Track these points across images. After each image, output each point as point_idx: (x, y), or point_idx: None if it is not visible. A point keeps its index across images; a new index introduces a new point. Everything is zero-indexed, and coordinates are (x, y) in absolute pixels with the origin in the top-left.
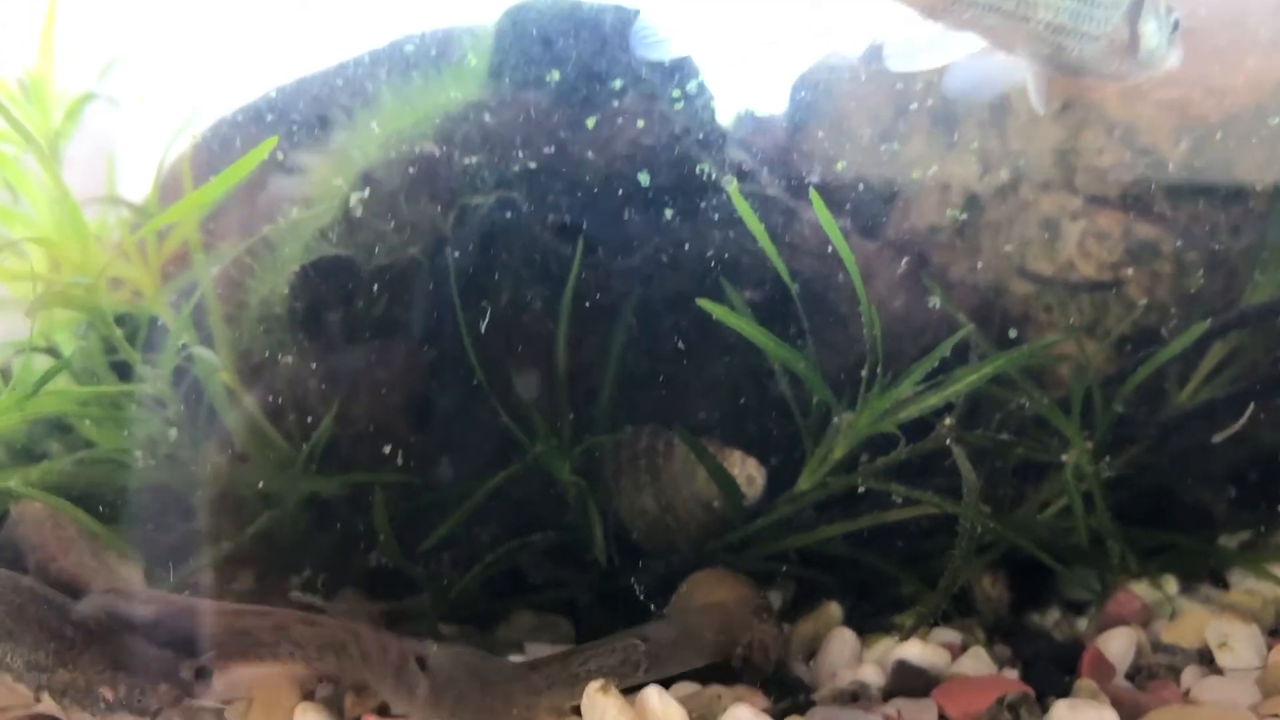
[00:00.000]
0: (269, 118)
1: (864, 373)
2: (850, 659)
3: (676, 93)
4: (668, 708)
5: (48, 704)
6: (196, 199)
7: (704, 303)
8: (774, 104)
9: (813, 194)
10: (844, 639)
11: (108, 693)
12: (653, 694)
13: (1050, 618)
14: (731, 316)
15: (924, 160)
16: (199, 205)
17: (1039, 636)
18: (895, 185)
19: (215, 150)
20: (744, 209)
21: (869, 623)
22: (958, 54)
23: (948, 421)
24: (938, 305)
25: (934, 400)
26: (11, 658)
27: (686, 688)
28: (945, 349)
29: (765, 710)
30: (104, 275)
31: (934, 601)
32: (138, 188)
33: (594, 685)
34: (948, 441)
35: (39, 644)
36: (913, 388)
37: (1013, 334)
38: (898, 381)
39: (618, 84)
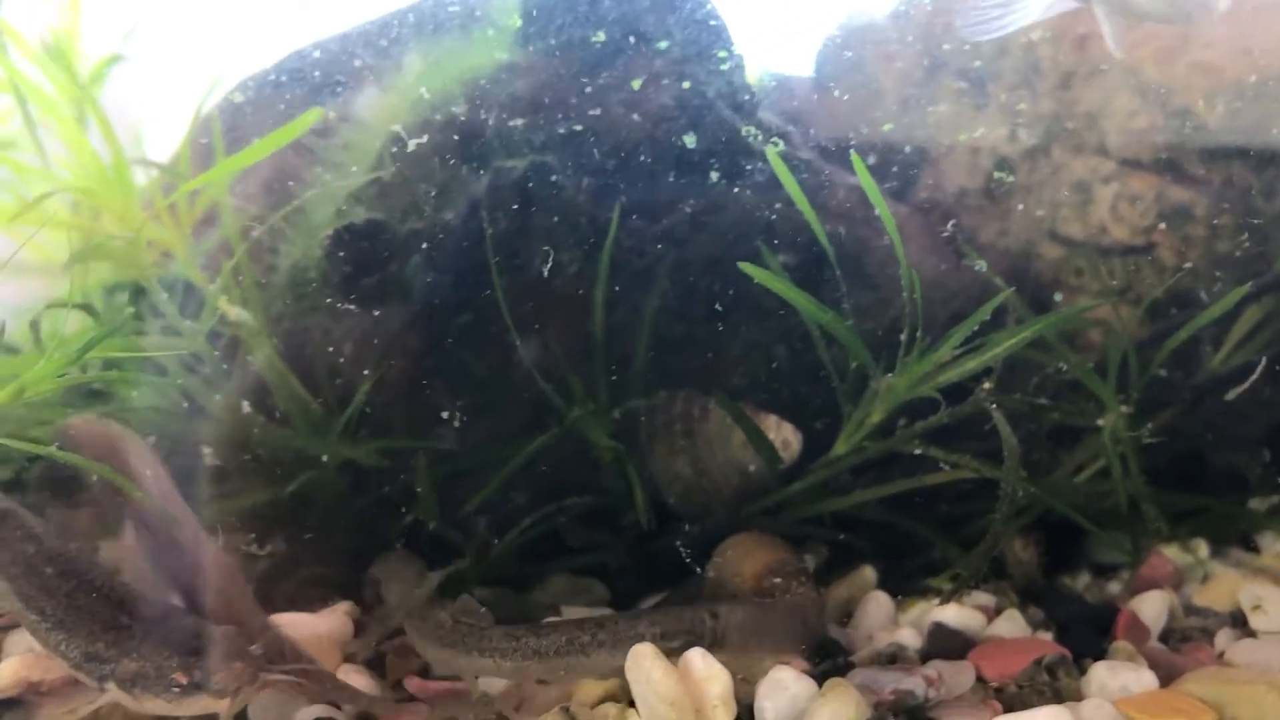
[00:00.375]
0: (297, 77)
1: (903, 336)
2: (886, 622)
3: (706, 55)
4: (711, 669)
5: (115, 694)
6: (238, 160)
7: (746, 266)
8: (799, 66)
9: (854, 157)
10: (880, 602)
11: (181, 677)
12: (696, 656)
13: (1081, 581)
14: (772, 280)
15: (953, 123)
16: (236, 167)
17: (1072, 600)
18: (923, 148)
19: (244, 111)
20: (783, 173)
21: (903, 586)
22: (1035, 14)
23: (986, 385)
24: (976, 268)
25: (973, 364)
26: (68, 648)
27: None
28: (986, 312)
29: (805, 672)
30: (144, 230)
31: (974, 564)
32: (159, 150)
33: (641, 646)
34: (986, 405)
35: (95, 635)
36: (951, 352)
37: (1058, 297)
38: (936, 345)
39: (648, 46)
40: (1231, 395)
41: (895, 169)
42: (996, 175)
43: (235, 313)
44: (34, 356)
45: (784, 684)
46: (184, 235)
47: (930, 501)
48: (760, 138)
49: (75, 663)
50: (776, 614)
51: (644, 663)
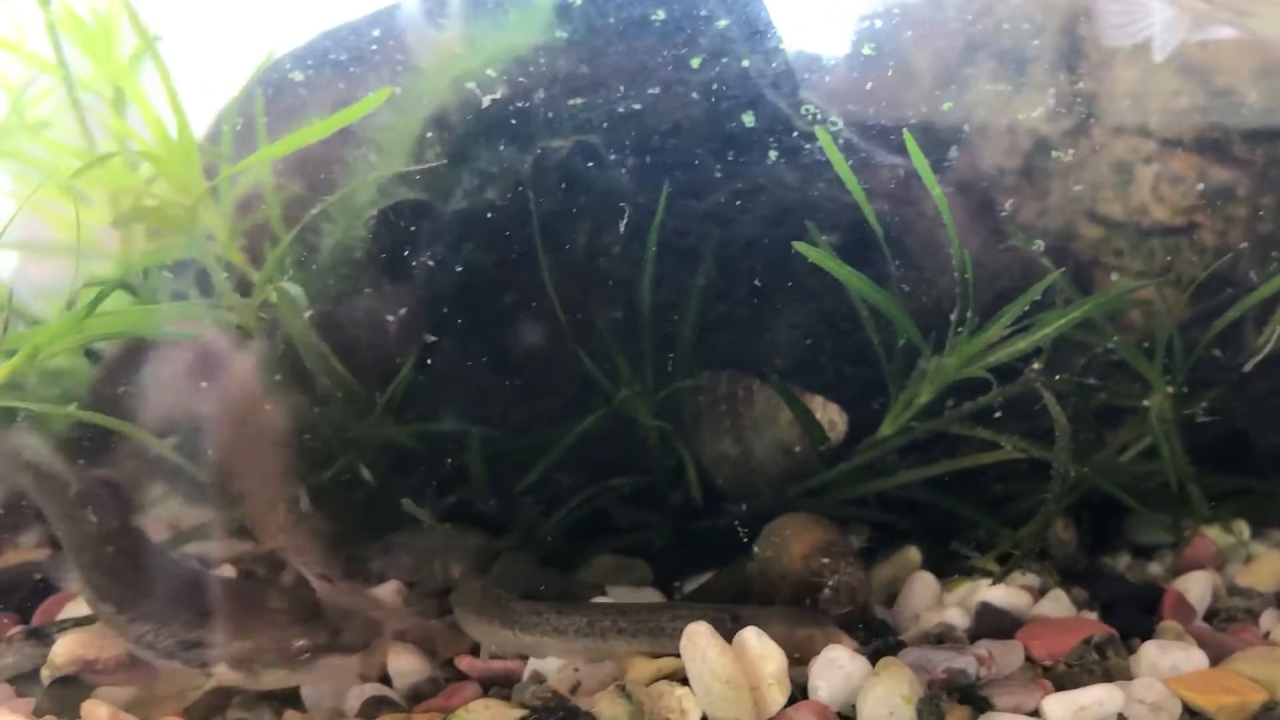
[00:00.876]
0: (333, 55)
1: (952, 316)
2: (932, 602)
3: (747, 33)
4: (765, 647)
5: (226, 675)
6: (297, 139)
7: (800, 246)
8: (835, 45)
9: (907, 137)
10: (925, 582)
11: (306, 643)
12: (751, 635)
13: (1121, 561)
14: (826, 259)
15: (990, 102)
16: (294, 146)
17: (1114, 580)
18: (961, 127)
19: (282, 88)
20: (833, 153)
21: (946, 566)
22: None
23: (1035, 366)
24: (1025, 248)
25: (1023, 344)
26: (158, 638)
27: (778, 629)
28: (1037, 291)
29: (856, 652)
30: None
31: (1026, 544)
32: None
33: (696, 625)
34: (1036, 385)
35: (191, 623)
36: (1001, 332)
37: (1114, 276)
38: (986, 325)
39: (688, 24)
40: (1249, 366)
41: (931, 148)
42: (1053, 154)
43: (288, 287)
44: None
45: (838, 663)
46: (226, 217)
47: (973, 482)
48: (806, 117)
49: (168, 652)
50: (792, 623)
51: (699, 641)
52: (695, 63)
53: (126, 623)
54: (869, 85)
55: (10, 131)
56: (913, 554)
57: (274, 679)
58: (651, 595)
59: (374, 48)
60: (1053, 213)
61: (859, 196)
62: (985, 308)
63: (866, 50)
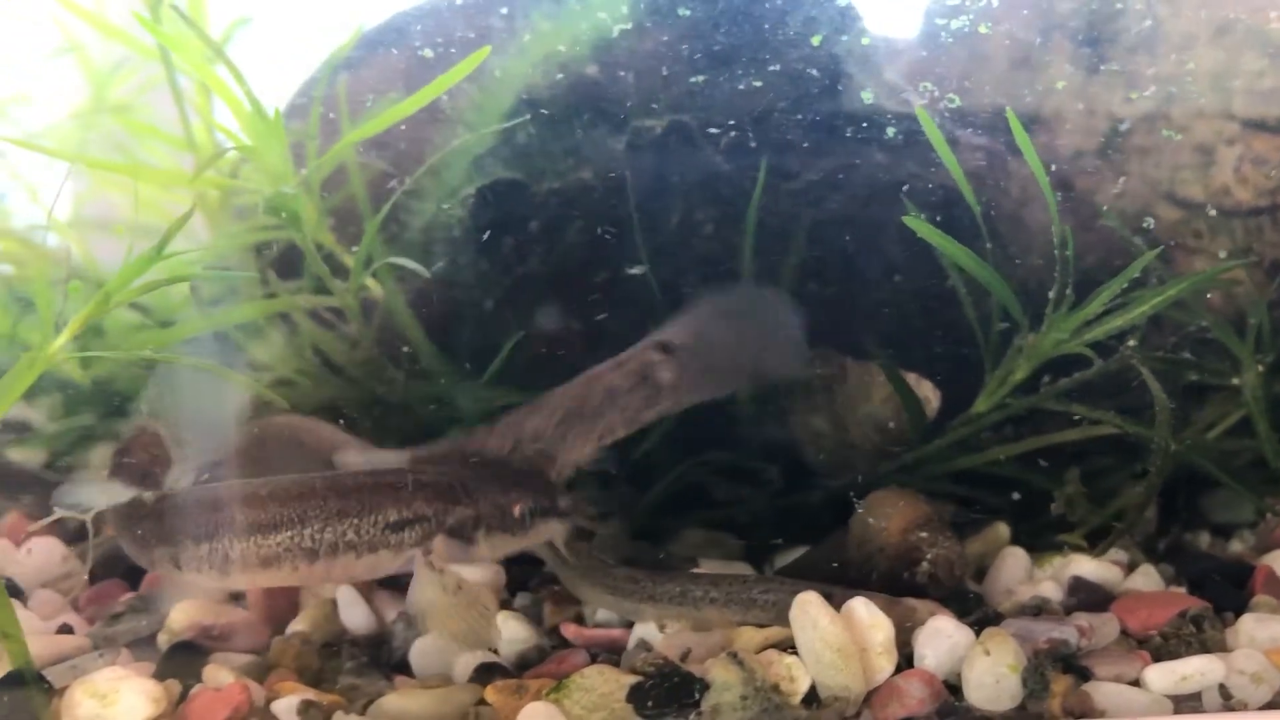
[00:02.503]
0: (414, 35)
1: (1051, 293)
2: (1023, 576)
3: (830, 14)
4: (874, 617)
5: (439, 546)
6: (397, 112)
7: (910, 220)
8: (905, 28)
9: (1010, 117)
10: (1016, 557)
11: (522, 507)
12: (860, 605)
13: (1201, 539)
14: (936, 235)
15: (1068, 84)
16: (394, 120)
17: (1200, 556)
18: (1037, 109)
19: (358, 66)
20: (933, 132)
21: (1034, 542)
22: None
23: (1130, 343)
24: (1119, 229)
25: (1119, 322)
26: (360, 531)
27: (879, 599)
28: (1137, 269)
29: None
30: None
31: (1130, 519)
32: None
33: (807, 594)
34: (1134, 362)
35: (393, 503)
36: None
37: (1223, 253)
38: (1082, 303)
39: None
40: None
41: (1007, 130)
42: (1164, 134)
43: (403, 262)
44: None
45: (944, 632)
46: (314, 198)
47: (1055, 459)
48: (895, 98)
49: (370, 543)
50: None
51: (810, 610)
52: (783, 42)
53: (316, 531)
54: (939, 68)
55: (93, 113)
56: (1001, 529)
57: (496, 545)
58: (742, 569)
59: (455, 27)
60: (1131, 194)
61: (958, 176)
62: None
63: (936, 33)
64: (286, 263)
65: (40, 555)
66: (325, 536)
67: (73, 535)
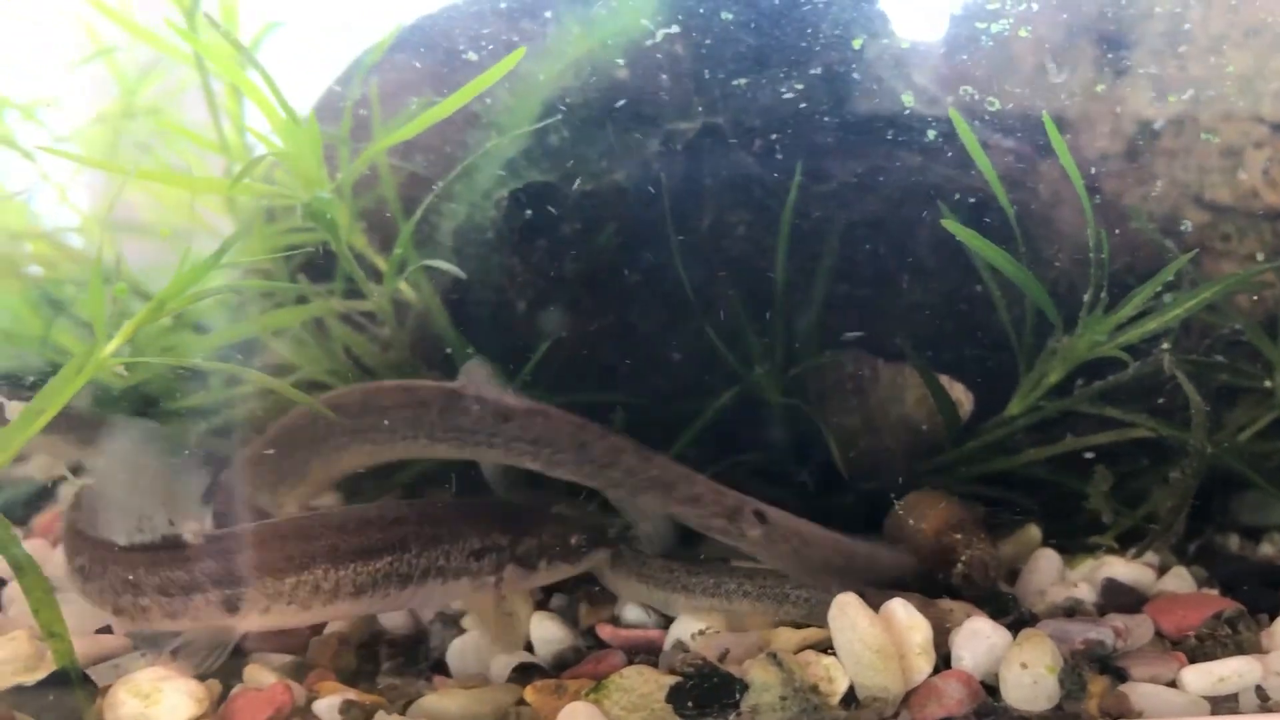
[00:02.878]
0: (439, 38)
1: (1086, 296)
2: (1055, 578)
3: (859, 16)
4: (912, 618)
5: (511, 576)
6: (424, 119)
7: (947, 223)
8: (931, 32)
9: (1046, 120)
10: (1049, 559)
11: (574, 538)
12: (898, 606)
13: (1230, 541)
14: (974, 238)
15: (1093, 87)
16: (433, 120)
17: (1232, 558)
18: (1063, 112)
19: (385, 69)
20: (968, 136)
21: (1066, 544)
22: None
23: (1165, 346)
24: (1150, 233)
25: (1153, 325)
26: (451, 557)
27: (914, 600)
28: (1170, 272)
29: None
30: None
31: (1166, 521)
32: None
33: (846, 596)
34: (1170, 365)
35: (485, 530)
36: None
37: (1260, 255)
38: (1118, 305)
39: (804, 5)
40: None
41: (1033, 133)
42: (1203, 136)
43: (440, 264)
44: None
45: (981, 633)
46: (346, 202)
47: (1086, 462)
48: (925, 101)
49: (455, 570)
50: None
51: (849, 611)
52: (814, 44)
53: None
54: (964, 71)
55: (122, 117)
56: (1033, 531)
57: (555, 573)
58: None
59: (484, 30)
60: (1158, 197)
61: (992, 179)
62: (1097, 290)
63: (962, 36)
64: (313, 265)
65: None
66: (420, 562)
67: None
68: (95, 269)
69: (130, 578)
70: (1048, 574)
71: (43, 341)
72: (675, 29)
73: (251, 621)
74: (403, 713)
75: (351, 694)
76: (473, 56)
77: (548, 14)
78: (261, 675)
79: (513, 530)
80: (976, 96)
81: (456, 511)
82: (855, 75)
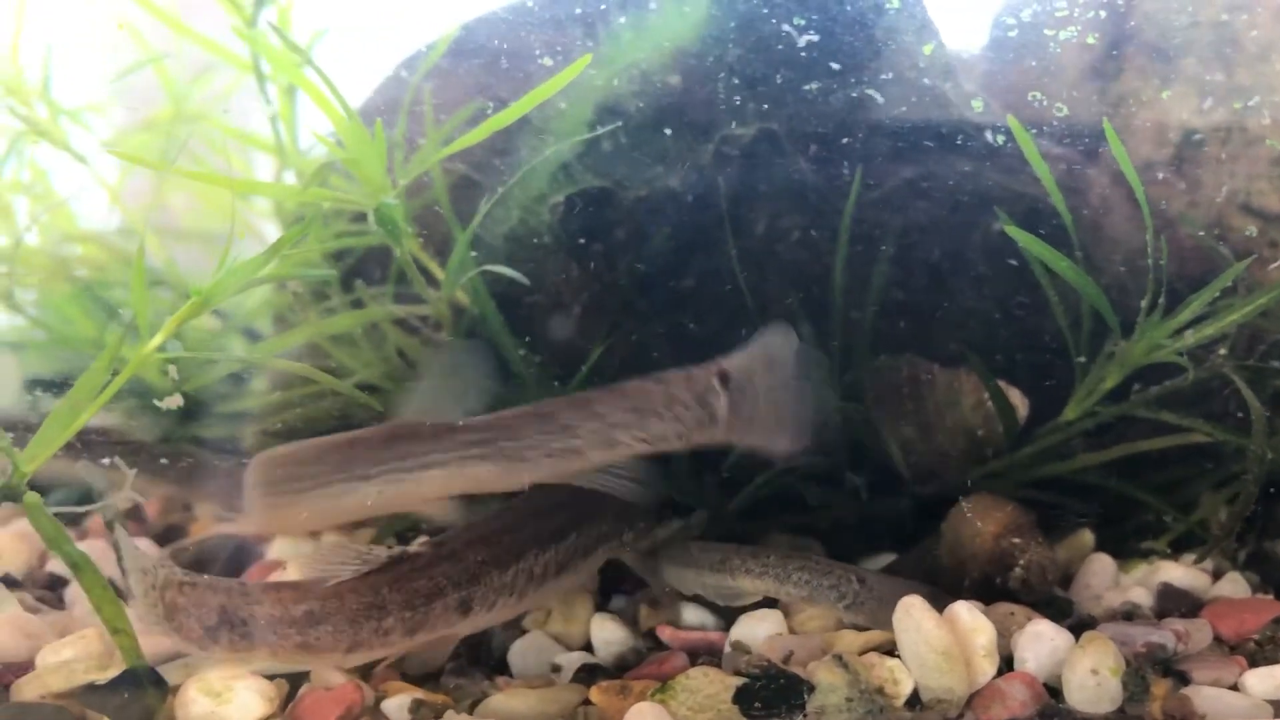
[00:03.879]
0: (487, 42)
1: (1144, 301)
2: (1110, 582)
3: (907, 21)
4: (976, 620)
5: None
6: (491, 125)
7: (1010, 229)
8: (973, 39)
9: (1106, 127)
10: (1103, 563)
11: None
12: (962, 609)
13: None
14: (1038, 244)
15: (1138, 94)
16: (500, 125)
17: None
18: (1107, 120)
19: (433, 74)
20: (1026, 143)
21: (1119, 549)
22: None
23: (1222, 351)
24: (1202, 240)
25: (1210, 330)
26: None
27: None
28: (1229, 278)
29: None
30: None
31: (1228, 526)
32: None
33: (911, 598)
34: (1226, 370)
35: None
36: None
37: None
38: (1176, 310)
39: (853, 12)
40: None
41: (1078, 140)
42: (1268, 143)
43: (500, 270)
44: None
45: (1045, 636)
46: (400, 205)
47: (1138, 466)
48: (975, 108)
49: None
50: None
51: (914, 613)
52: (862, 51)
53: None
54: (1008, 77)
55: (170, 122)
56: (1085, 535)
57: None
58: None
59: (533, 35)
60: (1204, 205)
61: (1050, 186)
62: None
63: (1004, 42)
64: (355, 269)
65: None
66: (594, 534)
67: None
68: (138, 261)
69: (372, 600)
70: (1102, 578)
71: (96, 344)
72: (725, 35)
73: (477, 621)
74: (470, 712)
75: (420, 693)
76: (547, 62)
77: (596, 21)
78: (329, 674)
79: (620, 519)
80: (1038, 103)
81: (587, 499)
82: (906, 81)
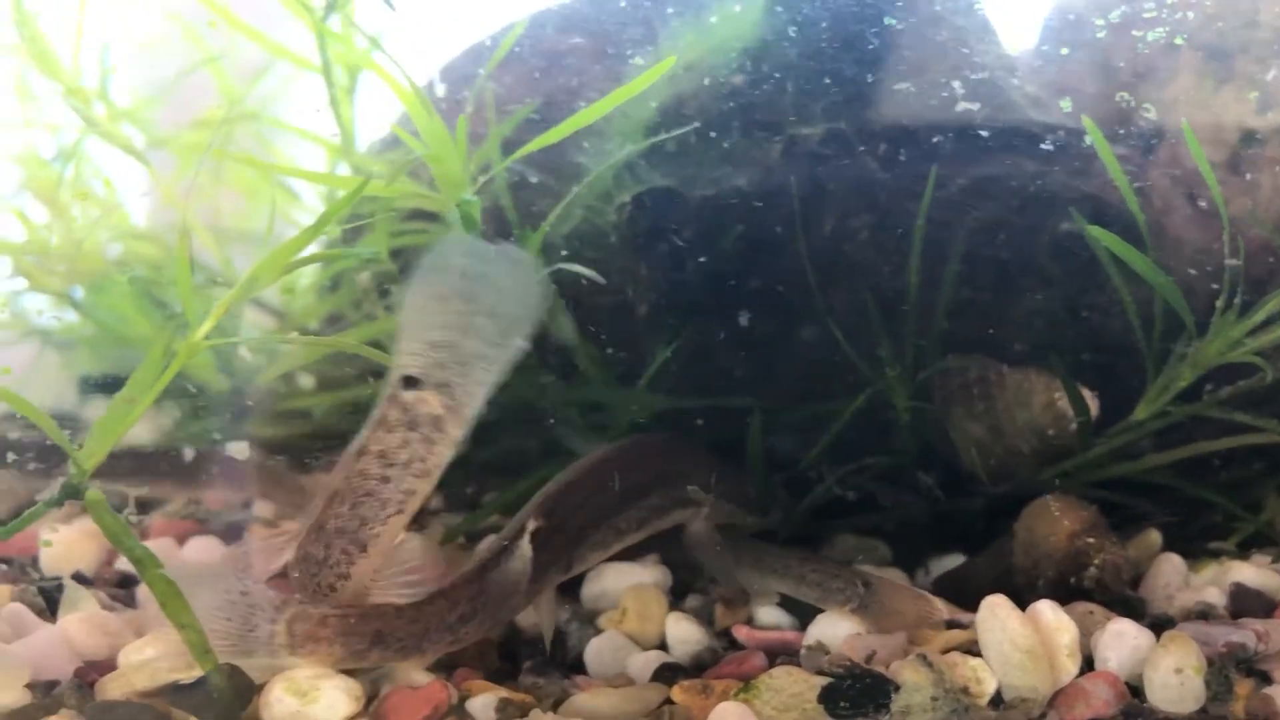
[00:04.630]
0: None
1: (1218, 302)
2: (1180, 582)
3: (968, 21)
4: (1059, 619)
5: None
6: (573, 123)
7: (1094, 229)
8: (1023, 40)
9: (1185, 128)
10: (1173, 564)
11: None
12: (1045, 608)
13: None
14: (1120, 244)
15: (1193, 96)
16: (580, 124)
17: None
18: (1162, 121)
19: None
20: (1101, 143)
21: (1186, 548)
22: None
23: None
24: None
25: None
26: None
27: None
28: None
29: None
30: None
31: None
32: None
33: (995, 597)
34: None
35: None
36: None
37: None
38: (1250, 311)
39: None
40: None
41: (1132, 142)
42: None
43: (574, 267)
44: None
45: (1127, 635)
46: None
47: (1205, 466)
48: (1038, 107)
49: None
50: (905, 600)
51: (999, 612)
52: (924, 52)
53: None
54: (1060, 77)
55: (225, 121)
56: (1153, 535)
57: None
58: (895, 575)
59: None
60: (1262, 206)
61: (1124, 187)
62: (1211, 294)
63: (1056, 42)
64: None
65: (198, 554)
66: (671, 494)
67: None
68: (181, 247)
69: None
70: (1172, 578)
71: (150, 343)
72: (785, 36)
73: (571, 574)
74: (554, 711)
75: (504, 692)
76: (627, 55)
77: (655, 21)
78: (413, 674)
79: (715, 469)
80: (1127, 102)
81: (675, 449)
82: (974, 79)
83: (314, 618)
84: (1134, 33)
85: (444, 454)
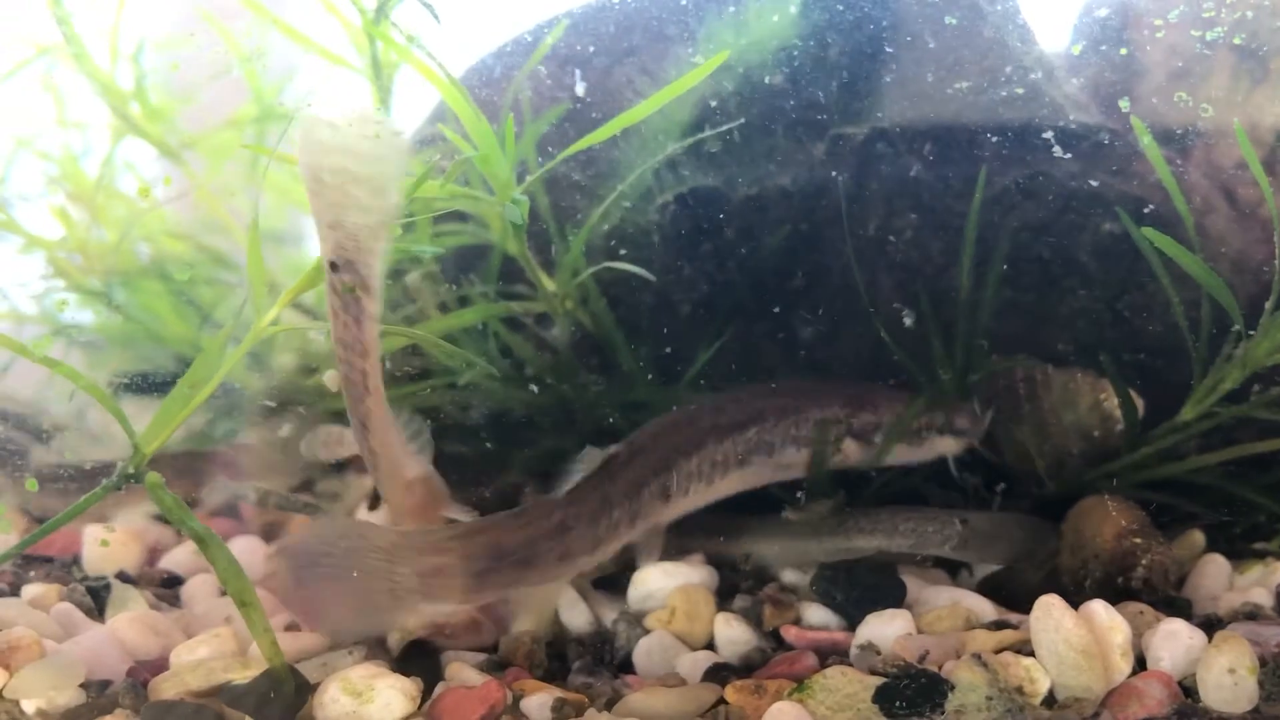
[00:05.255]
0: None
1: (1268, 303)
2: (1225, 583)
3: (1008, 22)
4: (1113, 618)
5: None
6: (619, 123)
7: (1148, 231)
8: (1056, 41)
9: (1238, 129)
10: (1218, 565)
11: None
12: (1099, 607)
13: None
14: (1170, 244)
15: (1229, 96)
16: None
17: None
18: (1196, 122)
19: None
20: (1149, 144)
21: (1230, 549)
22: None
23: None
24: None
25: None
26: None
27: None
28: None
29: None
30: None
31: None
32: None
33: (1049, 597)
34: None
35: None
36: None
37: None
38: None
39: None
40: None
41: (1166, 143)
42: None
43: (624, 267)
44: None
45: (1180, 635)
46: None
47: (1248, 467)
48: (1079, 108)
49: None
50: (1012, 527)
51: (1053, 612)
52: (971, 51)
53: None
54: (1093, 79)
55: (257, 121)
56: (1197, 536)
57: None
58: (937, 573)
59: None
60: None
61: (1172, 188)
62: (1252, 299)
63: (1089, 44)
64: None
65: (240, 554)
66: (777, 431)
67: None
68: (252, 232)
69: (601, 495)
70: (1217, 579)
71: (186, 341)
72: (824, 35)
73: (677, 507)
74: (608, 710)
75: (559, 692)
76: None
77: (692, 20)
78: (465, 673)
79: (852, 406)
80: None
81: (802, 389)
82: (1014, 80)
83: (430, 546)
84: (1169, 33)
85: (372, 330)
